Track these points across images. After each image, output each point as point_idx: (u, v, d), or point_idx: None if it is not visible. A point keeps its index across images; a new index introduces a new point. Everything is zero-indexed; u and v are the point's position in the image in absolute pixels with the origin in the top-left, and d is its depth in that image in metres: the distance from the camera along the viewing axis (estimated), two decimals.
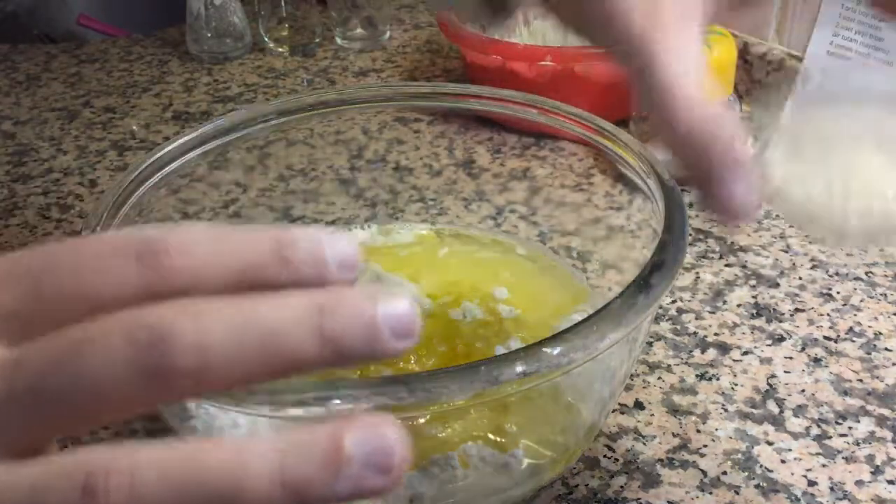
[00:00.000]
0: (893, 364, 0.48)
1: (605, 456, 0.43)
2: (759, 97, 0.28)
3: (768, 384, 0.47)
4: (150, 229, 0.21)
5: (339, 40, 0.92)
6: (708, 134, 0.28)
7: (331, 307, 0.20)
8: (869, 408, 0.45)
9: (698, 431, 0.44)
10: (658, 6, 0.29)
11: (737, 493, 0.41)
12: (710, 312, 0.52)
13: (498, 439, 0.39)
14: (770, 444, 0.43)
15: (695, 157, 0.28)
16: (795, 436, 0.44)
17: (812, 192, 0.28)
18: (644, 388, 0.47)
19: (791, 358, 0.48)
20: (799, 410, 0.45)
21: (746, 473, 0.42)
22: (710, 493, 0.41)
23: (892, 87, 0.27)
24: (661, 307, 0.52)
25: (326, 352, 0.20)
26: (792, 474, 0.42)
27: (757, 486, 0.41)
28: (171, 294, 0.20)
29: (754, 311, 0.52)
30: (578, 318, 0.33)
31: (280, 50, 0.91)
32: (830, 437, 0.43)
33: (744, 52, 0.73)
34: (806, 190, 0.28)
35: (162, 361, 0.19)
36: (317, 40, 0.91)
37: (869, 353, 0.48)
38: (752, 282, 0.54)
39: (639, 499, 0.41)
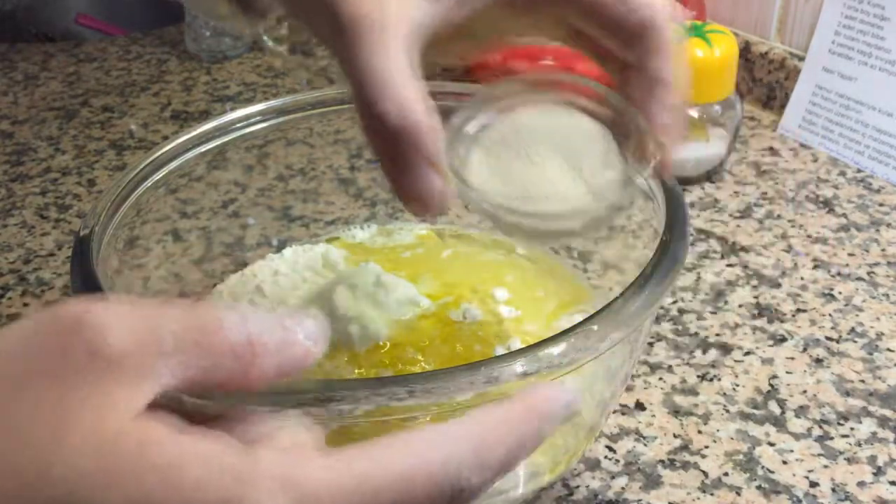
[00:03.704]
0: (895, 364, 0.48)
1: (605, 457, 0.43)
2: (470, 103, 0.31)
3: (770, 385, 0.47)
4: None
5: None
6: (407, 122, 0.28)
7: None
8: (871, 408, 0.45)
9: (699, 432, 0.44)
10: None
11: (738, 494, 0.40)
12: (711, 313, 0.52)
13: None
14: (772, 444, 0.43)
15: (387, 145, 0.29)
16: (797, 437, 0.43)
17: (497, 197, 0.29)
18: (645, 388, 0.47)
19: (793, 358, 0.48)
20: (801, 411, 0.45)
21: (748, 474, 0.41)
22: (712, 495, 0.41)
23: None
24: (662, 307, 0.52)
25: None
26: (794, 475, 0.41)
27: (758, 488, 0.41)
28: None
29: (756, 312, 0.52)
30: (579, 318, 0.33)
31: (279, 49, 0.90)
32: (832, 438, 0.43)
33: (745, 51, 0.73)
34: (493, 193, 0.29)
35: None
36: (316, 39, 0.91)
37: (871, 354, 0.48)
38: (754, 282, 0.54)
39: (640, 500, 0.40)
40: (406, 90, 0.28)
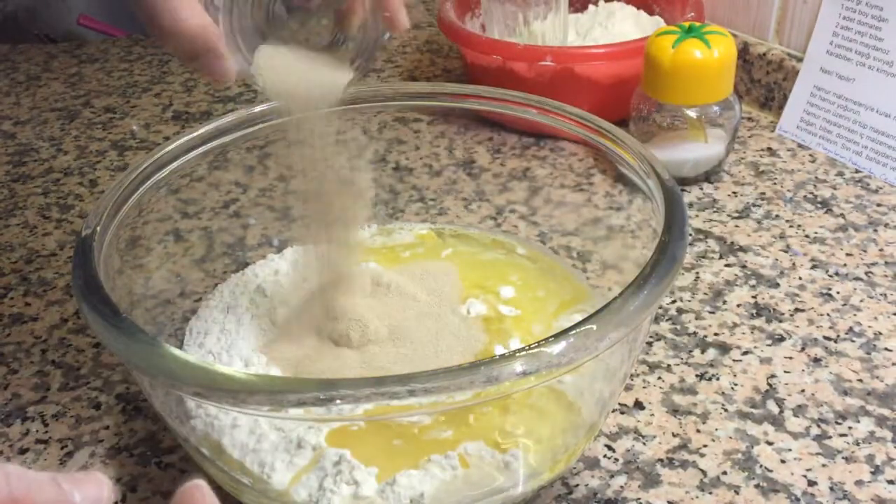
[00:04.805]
0: (893, 364, 0.48)
1: (605, 456, 0.43)
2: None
3: (768, 384, 0.47)
4: None
5: None
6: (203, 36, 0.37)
7: None
8: (869, 408, 0.45)
9: (698, 431, 0.44)
10: None
11: (737, 493, 0.41)
12: (709, 312, 0.52)
13: (498, 439, 0.39)
14: (770, 444, 0.43)
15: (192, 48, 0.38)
16: (795, 436, 0.44)
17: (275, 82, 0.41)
18: (644, 387, 0.47)
19: (791, 358, 0.48)
20: (799, 410, 0.45)
21: (746, 473, 0.42)
22: (710, 493, 0.41)
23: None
24: (660, 307, 0.52)
25: None
26: (792, 474, 0.42)
27: (757, 486, 0.41)
28: None
29: (754, 311, 0.52)
30: (578, 318, 0.33)
31: None
32: (830, 437, 0.43)
33: (744, 52, 0.73)
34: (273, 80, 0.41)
35: None
36: None
37: (869, 353, 0.48)
38: (752, 282, 0.54)
39: (639, 499, 0.41)
40: (184, 13, 0.37)
